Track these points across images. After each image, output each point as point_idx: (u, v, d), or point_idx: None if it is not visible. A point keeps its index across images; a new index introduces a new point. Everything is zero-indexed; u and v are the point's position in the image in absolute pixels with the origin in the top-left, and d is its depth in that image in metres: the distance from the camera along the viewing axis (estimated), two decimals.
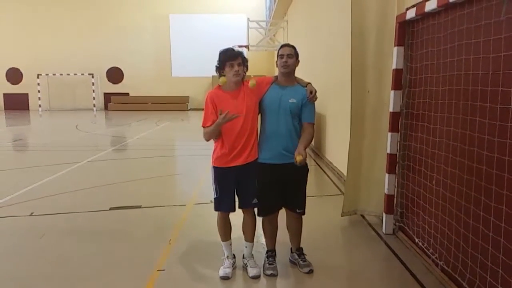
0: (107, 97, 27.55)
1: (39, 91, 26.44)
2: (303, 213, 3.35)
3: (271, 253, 3.41)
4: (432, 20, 3.31)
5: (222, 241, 3.35)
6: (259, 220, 3.36)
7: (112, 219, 4.84)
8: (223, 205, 3.22)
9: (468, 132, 2.78)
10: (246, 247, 3.37)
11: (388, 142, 4.02)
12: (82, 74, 26.96)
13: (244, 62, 3.07)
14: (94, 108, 26.74)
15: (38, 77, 26.46)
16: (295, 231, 3.43)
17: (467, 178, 2.80)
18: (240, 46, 15.48)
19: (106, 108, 27.31)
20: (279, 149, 3.14)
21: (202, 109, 3.21)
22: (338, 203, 4.73)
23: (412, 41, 3.73)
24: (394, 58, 3.86)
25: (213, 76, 24.17)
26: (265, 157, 3.17)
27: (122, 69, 27.80)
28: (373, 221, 4.51)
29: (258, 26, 20.20)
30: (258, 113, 3.20)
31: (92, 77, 26.83)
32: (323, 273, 3.33)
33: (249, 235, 3.34)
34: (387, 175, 4.06)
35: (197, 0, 26.84)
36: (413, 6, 3.52)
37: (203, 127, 3.12)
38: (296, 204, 3.31)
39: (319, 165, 7.91)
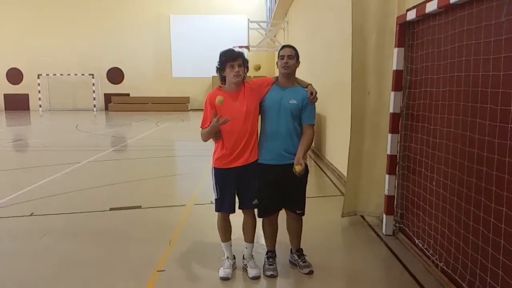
0: (108, 97, 27.54)
1: (39, 92, 26.42)
2: (303, 214, 3.35)
3: (271, 254, 3.41)
4: (433, 21, 3.31)
5: (222, 241, 3.35)
6: (259, 221, 3.36)
7: (112, 219, 4.84)
8: (224, 206, 3.23)
9: (469, 133, 2.78)
10: (246, 248, 3.37)
11: (388, 143, 4.02)
12: (83, 74, 26.95)
13: (244, 63, 3.08)
14: (95, 109, 26.73)
15: (38, 77, 26.45)
16: (295, 232, 3.43)
17: (467, 179, 2.80)
18: (240, 47, 15.49)
19: (106, 108, 27.29)
20: (279, 150, 3.14)
21: (202, 110, 3.22)
22: (338, 204, 4.73)
23: (413, 42, 3.73)
24: (394, 59, 3.87)
25: (213, 77, 24.17)
26: (265, 158, 3.18)
27: (123, 70, 27.79)
28: (373, 222, 4.51)
29: (259, 27, 20.21)
30: (259, 114, 3.21)
31: (93, 77, 26.82)
32: (323, 274, 3.33)
33: (249, 236, 3.34)
34: (387, 176, 4.06)
35: (198, 1, 26.84)
36: (414, 7, 3.52)
37: (201, 128, 3.15)
38: (296, 205, 3.31)
39: (319, 166, 7.91)
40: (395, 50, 3.85)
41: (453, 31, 2.99)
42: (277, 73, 3.32)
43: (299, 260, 3.40)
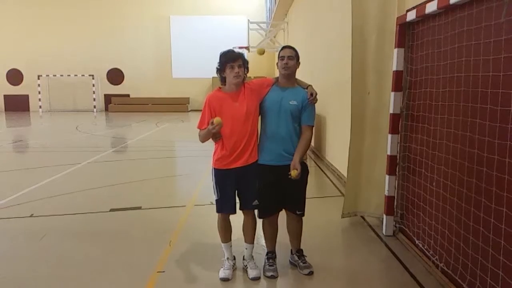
0: (108, 98, 27.53)
1: (39, 92, 26.41)
2: (303, 214, 3.35)
3: (271, 255, 3.41)
4: (433, 22, 3.32)
5: (222, 242, 3.35)
6: (259, 222, 3.36)
7: (112, 220, 4.84)
8: (224, 207, 3.23)
9: (469, 134, 2.78)
10: (246, 248, 3.37)
11: (388, 144, 4.02)
12: (83, 75, 26.94)
13: (244, 64, 3.08)
14: (95, 109, 26.72)
15: (38, 78, 26.44)
16: (295, 232, 3.43)
17: (467, 179, 2.80)
18: (240, 48, 15.47)
19: (106, 109, 27.28)
20: (279, 151, 3.14)
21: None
22: (338, 205, 4.73)
23: (413, 43, 3.74)
24: (394, 59, 3.87)
25: (213, 78, 24.17)
26: (265, 158, 3.18)
27: (123, 71, 27.79)
28: (373, 223, 4.51)
29: (259, 28, 20.21)
30: (259, 115, 3.21)
31: (93, 78, 26.81)
32: (323, 275, 3.33)
33: (249, 236, 3.34)
34: (387, 176, 4.06)
35: (198, 2, 26.84)
36: (414, 7, 3.53)
37: (199, 128, 3.16)
38: (296, 205, 3.31)
39: (319, 167, 7.91)
40: (395, 50, 3.86)
41: (453, 31, 2.99)
42: (277, 74, 3.32)
43: (299, 261, 3.40)
